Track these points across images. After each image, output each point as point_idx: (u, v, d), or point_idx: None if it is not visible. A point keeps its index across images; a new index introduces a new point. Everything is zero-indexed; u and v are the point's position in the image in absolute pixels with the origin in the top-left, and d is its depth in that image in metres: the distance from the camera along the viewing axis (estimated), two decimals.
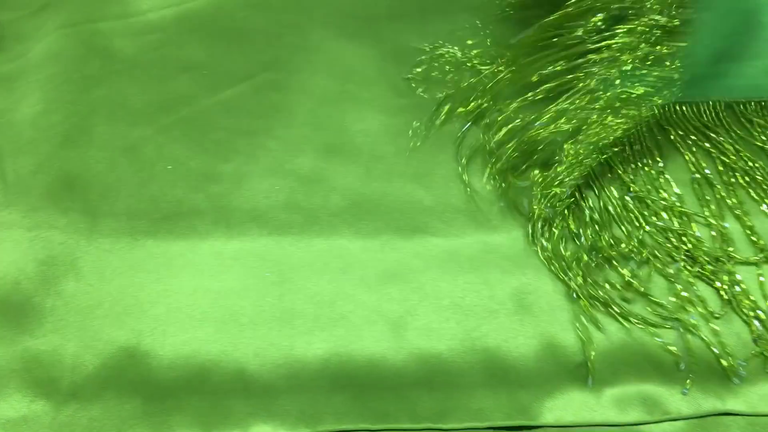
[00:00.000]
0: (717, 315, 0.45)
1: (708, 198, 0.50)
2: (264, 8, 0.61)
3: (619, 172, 0.51)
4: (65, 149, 0.51)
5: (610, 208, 0.49)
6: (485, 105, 0.53)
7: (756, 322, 0.44)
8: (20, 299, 0.44)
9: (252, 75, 0.56)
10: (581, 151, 0.47)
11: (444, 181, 0.51)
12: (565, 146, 0.48)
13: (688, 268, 0.46)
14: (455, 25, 0.60)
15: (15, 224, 0.47)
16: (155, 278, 0.45)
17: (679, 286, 0.45)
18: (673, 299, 0.45)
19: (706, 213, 0.49)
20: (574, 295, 0.45)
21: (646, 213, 0.49)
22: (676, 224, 0.48)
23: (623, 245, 0.47)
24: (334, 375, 0.43)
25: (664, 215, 0.49)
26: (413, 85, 0.55)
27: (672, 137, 0.53)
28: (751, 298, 0.45)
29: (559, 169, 0.48)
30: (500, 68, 0.54)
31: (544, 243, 0.47)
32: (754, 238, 0.48)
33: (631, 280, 0.45)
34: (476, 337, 0.44)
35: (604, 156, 0.50)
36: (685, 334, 0.44)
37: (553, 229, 0.47)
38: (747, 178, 0.51)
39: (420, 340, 0.44)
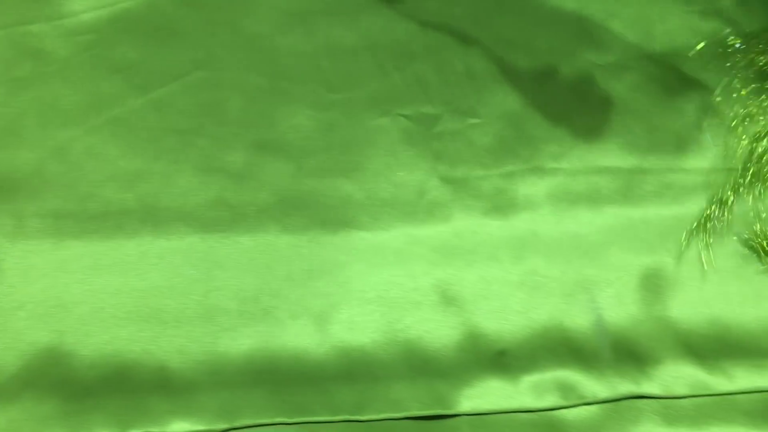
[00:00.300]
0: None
1: None
2: (199, 6, 0.61)
3: None
4: None
5: None
6: None
7: None
8: None
9: (185, 73, 0.56)
10: None
11: (373, 176, 0.51)
12: None
13: None
14: (388, 22, 0.60)
15: None
16: (80, 278, 0.46)
17: None
18: None
19: None
20: None
21: None
22: None
23: None
24: (257, 370, 0.43)
25: None
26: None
27: None
28: None
29: None
30: None
31: None
32: None
33: None
34: (399, 329, 0.45)
35: None
36: (602, 319, 0.45)
37: None
38: None
39: (343, 333, 0.45)
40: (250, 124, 0.54)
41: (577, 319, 0.45)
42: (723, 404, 0.43)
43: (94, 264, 0.46)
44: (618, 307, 0.46)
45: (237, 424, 0.41)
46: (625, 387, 0.43)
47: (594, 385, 0.43)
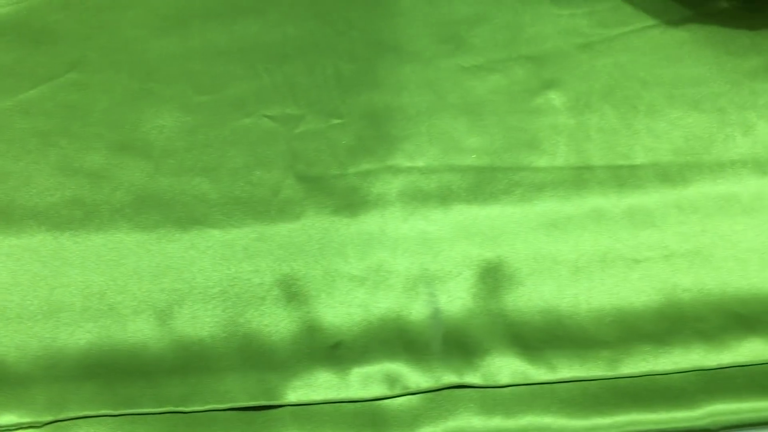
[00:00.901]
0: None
1: None
2: (77, 10, 0.62)
3: None
4: None
5: None
6: None
7: None
8: None
9: (56, 76, 0.57)
10: None
11: (230, 175, 0.52)
12: None
13: None
14: (264, 25, 0.61)
15: None
16: None
17: None
18: None
19: None
20: None
21: None
22: None
23: None
24: (93, 364, 0.44)
25: None
26: None
27: None
28: None
29: None
30: None
31: None
32: None
33: None
34: (240, 323, 0.46)
35: None
36: (438, 312, 0.46)
37: None
38: None
39: (184, 328, 0.46)
40: (114, 124, 0.55)
41: (415, 312, 0.46)
42: (541, 393, 0.44)
43: None
44: (456, 300, 0.47)
45: (62, 416, 0.42)
46: (448, 378, 0.44)
47: (419, 376, 0.44)
